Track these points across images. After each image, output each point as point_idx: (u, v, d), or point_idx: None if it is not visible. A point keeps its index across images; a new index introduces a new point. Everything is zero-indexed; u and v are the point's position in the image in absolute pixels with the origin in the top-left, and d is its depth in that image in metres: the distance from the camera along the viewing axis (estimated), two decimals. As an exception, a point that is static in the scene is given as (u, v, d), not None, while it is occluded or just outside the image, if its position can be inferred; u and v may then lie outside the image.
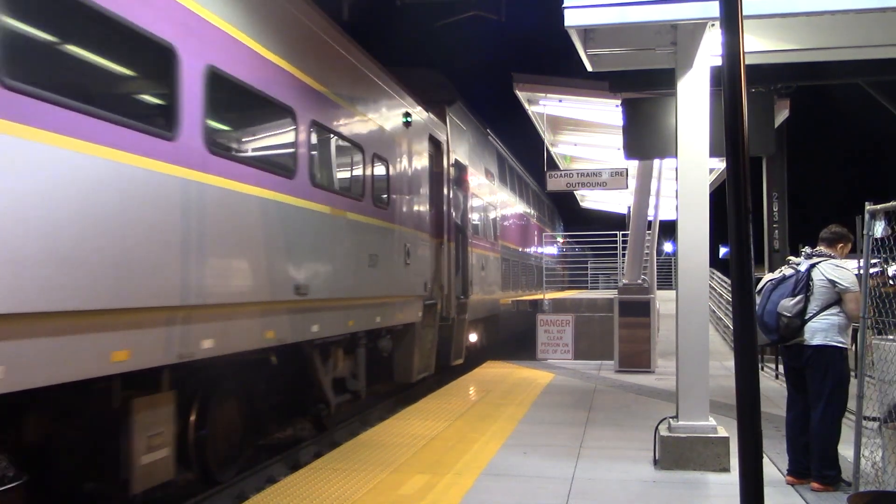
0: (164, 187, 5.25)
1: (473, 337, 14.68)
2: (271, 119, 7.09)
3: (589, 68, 6.82)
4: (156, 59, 5.38)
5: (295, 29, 7.46)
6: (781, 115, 11.24)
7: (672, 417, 6.31)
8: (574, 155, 17.37)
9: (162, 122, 5.38)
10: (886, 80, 9.79)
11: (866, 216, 5.33)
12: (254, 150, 6.95)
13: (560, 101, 12.57)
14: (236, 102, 6.59)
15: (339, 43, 8.42)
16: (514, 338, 17.88)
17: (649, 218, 15.19)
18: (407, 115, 10.52)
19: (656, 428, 6.42)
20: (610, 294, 16.35)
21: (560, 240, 31.31)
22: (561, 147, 16.55)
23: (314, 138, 7.67)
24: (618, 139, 10.89)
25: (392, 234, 9.88)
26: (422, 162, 11.31)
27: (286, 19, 7.32)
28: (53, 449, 5.42)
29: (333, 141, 8.25)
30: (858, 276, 5.57)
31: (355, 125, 8.80)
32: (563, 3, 5.76)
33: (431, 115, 11.96)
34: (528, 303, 17.15)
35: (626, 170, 14.20)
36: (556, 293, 19.60)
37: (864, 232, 5.33)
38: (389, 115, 9.92)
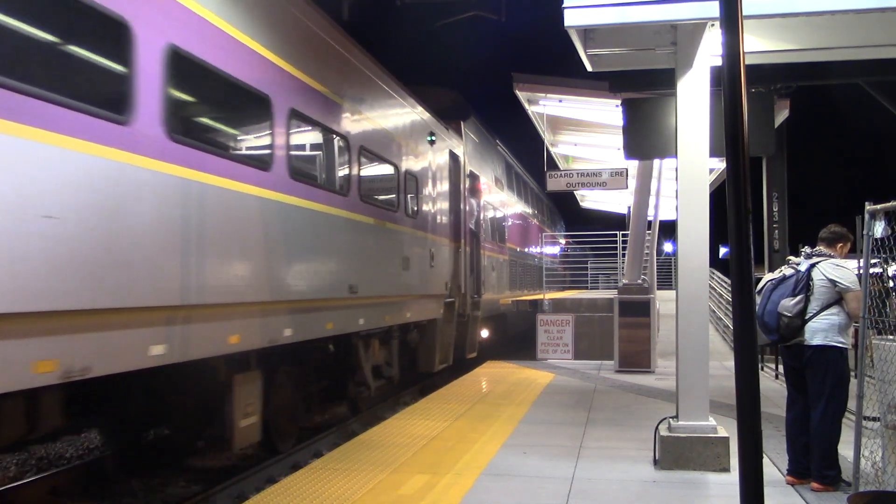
0: (260, 203, 6.63)
1: (485, 332, 15.64)
2: (329, 145, 8.33)
3: (589, 68, 6.82)
4: (109, 36, 4.91)
5: (345, 67, 8.79)
6: (781, 115, 11.24)
7: (672, 417, 6.31)
8: (574, 155, 17.37)
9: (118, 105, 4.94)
10: (886, 80, 9.79)
11: (866, 216, 5.33)
12: (318, 175, 8.12)
13: (560, 101, 12.57)
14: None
15: (380, 78, 9.84)
16: (521, 334, 18.00)
17: (649, 218, 15.19)
18: (432, 134, 12.01)
19: (656, 428, 6.43)
20: (610, 294, 16.35)
21: (562, 241, 31.47)
22: (561, 147, 16.55)
23: (363, 161, 9.06)
24: (618, 139, 10.89)
25: (420, 240, 11.25)
26: (443, 174, 12.70)
27: (340, 61, 8.70)
28: (177, 414, 7.04)
29: (376, 162, 9.67)
30: (859, 275, 5.57)
31: (392, 147, 10.21)
32: (563, 3, 5.77)
33: (450, 132, 13.32)
34: (527, 303, 17.17)
35: (626, 170, 14.20)
36: (556, 293, 19.62)
37: (864, 232, 5.33)
38: (418, 135, 11.40)
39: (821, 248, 5.83)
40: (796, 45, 6.63)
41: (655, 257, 15.99)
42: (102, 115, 4.73)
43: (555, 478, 5.92)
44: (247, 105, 6.71)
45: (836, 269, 5.63)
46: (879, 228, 5.26)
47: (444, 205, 12.70)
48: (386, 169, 10.03)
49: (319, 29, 8.04)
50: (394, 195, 10.23)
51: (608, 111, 11.81)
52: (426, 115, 11.82)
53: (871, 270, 5.39)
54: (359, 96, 9.01)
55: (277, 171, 6.89)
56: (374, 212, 9.31)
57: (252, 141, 6.97)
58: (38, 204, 4.26)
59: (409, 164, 10.86)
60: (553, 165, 16.66)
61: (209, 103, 6.46)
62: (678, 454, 6.10)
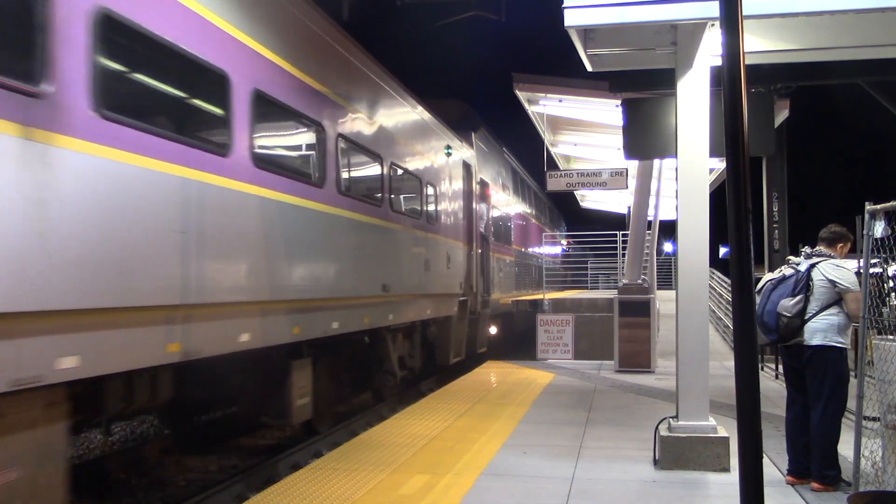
0: (318, 215, 7.69)
1: (494, 329, 16.51)
2: (369, 163, 9.48)
3: (589, 68, 6.82)
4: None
5: (382, 95, 9.95)
6: (781, 115, 11.24)
7: (672, 417, 6.31)
8: (574, 155, 17.37)
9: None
10: (886, 80, 9.79)
11: (866, 216, 5.32)
12: (359, 189, 9.07)
13: (560, 101, 12.57)
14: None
15: (407, 100, 11.06)
16: (524, 332, 18.17)
17: (649, 218, 15.18)
18: (448, 147, 13.20)
19: (656, 428, 6.43)
20: (610, 294, 16.35)
21: (564, 242, 31.63)
22: (561, 147, 16.54)
23: (393, 175, 10.22)
24: (618, 139, 10.89)
25: (439, 244, 12.40)
26: (457, 182, 13.85)
27: (378, 91, 9.83)
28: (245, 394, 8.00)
29: (403, 175, 10.72)
30: (858, 275, 5.57)
31: (416, 161, 11.38)
32: (563, 3, 5.76)
33: (463, 143, 14.44)
34: (527, 303, 17.18)
35: (626, 170, 14.20)
36: (556, 293, 19.66)
37: (864, 232, 5.33)
38: (437, 149, 12.59)
39: (821, 248, 5.83)
40: (796, 45, 6.63)
41: (655, 257, 15.99)
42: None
43: (555, 478, 5.92)
44: (310, 135, 7.97)
45: (836, 270, 5.63)
46: (879, 228, 5.26)
47: (458, 211, 13.85)
48: (412, 181, 11.21)
49: (362, 65, 9.30)
50: (418, 204, 11.47)
51: (608, 111, 11.81)
52: (444, 130, 13.07)
53: (871, 270, 5.39)
54: (393, 122, 10.32)
55: (329, 188, 8.08)
56: (402, 220, 10.59)
57: (300, 160, 8.02)
58: (175, 221, 5.42)
59: (430, 175, 12.09)
60: (553, 165, 16.65)
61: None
62: (678, 454, 6.10)
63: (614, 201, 23.31)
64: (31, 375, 4.18)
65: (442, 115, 13.07)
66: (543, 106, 12.93)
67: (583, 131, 15.05)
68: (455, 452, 6.78)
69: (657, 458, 6.26)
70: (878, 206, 5.22)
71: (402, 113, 10.86)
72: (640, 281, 13.61)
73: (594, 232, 21.15)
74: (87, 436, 9.52)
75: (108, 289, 4.73)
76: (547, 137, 14.94)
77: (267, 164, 6.83)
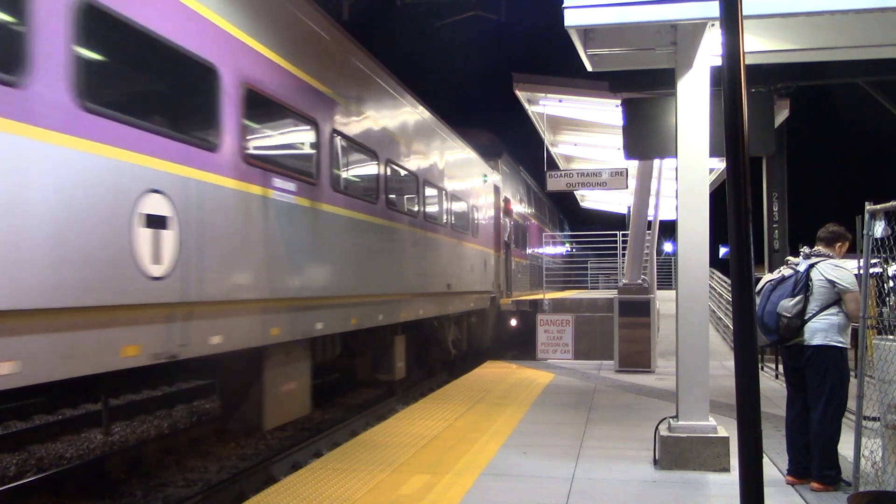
0: (416, 236, 11.33)
1: (514, 322, 18.56)
2: (436, 195, 12.69)
3: (589, 68, 6.82)
4: None
5: (432, 138, 12.67)
6: (781, 115, 11.23)
7: (672, 417, 6.31)
8: (574, 155, 17.37)
9: None
10: (886, 80, 9.79)
11: (866, 216, 5.32)
12: (432, 215, 12.35)
13: (560, 101, 12.57)
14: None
15: (456, 142, 14.37)
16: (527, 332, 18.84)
17: (649, 218, 15.18)
18: (485, 175, 16.81)
19: (656, 428, 6.42)
20: (610, 294, 16.35)
21: (568, 245, 32.20)
22: (561, 147, 16.54)
23: (452, 202, 13.71)
24: (618, 139, 10.89)
25: (479, 252, 15.84)
26: (489, 202, 17.26)
27: (442, 139, 13.32)
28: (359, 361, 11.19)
29: (458, 201, 14.32)
30: (858, 276, 5.57)
31: (465, 190, 14.93)
32: (563, 2, 5.76)
33: (492, 168, 17.61)
34: (528, 303, 17.19)
35: (626, 170, 14.19)
36: (556, 293, 19.76)
37: (864, 232, 5.33)
38: (477, 177, 16.16)
39: (819, 248, 5.82)
40: (796, 45, 6.63)
41: (655, 257, 15.99)
42: None
43: (555, 478, 5.92)
44: (410, 183, 11.28)
45: (835, 270, 5.62)
46: (879, 228, 5.26)
47: (490, 225, 17.22)
48: (462, 205, 14.63)
49: (420, 114, 11.86)
50: (466, 222, 14.90)
51: (608, 111, 11.81)
52: (481, 162, 16.60)
53: (872, 270, 5.39)
54: (450, 160, 13.78)
55: (420, 217, 11.52)
56: (458, 235, 14.12)
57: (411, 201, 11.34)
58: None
59: (473, 199, 15.60)
60: (553, 165, 16.66)
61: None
62: (678, 454, 6.09)
63: (614, 201, 23.32)
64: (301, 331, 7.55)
65: (473, 143, 16.10)
66: (543, 106, 12.93)
67: (583, 131, 15.04)
68: (455, 452, 6.78)
69: (657, 458, 6.26)
70: (878, 206, 5.22)
71: (455, 151, 14.34)
72: (640, 281, 13.60)
73: (594, 232, 21.22)
74: (87, 436, 9.52)
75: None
76: (547, 137, 14.94)
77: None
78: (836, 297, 5.59)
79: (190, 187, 5.61)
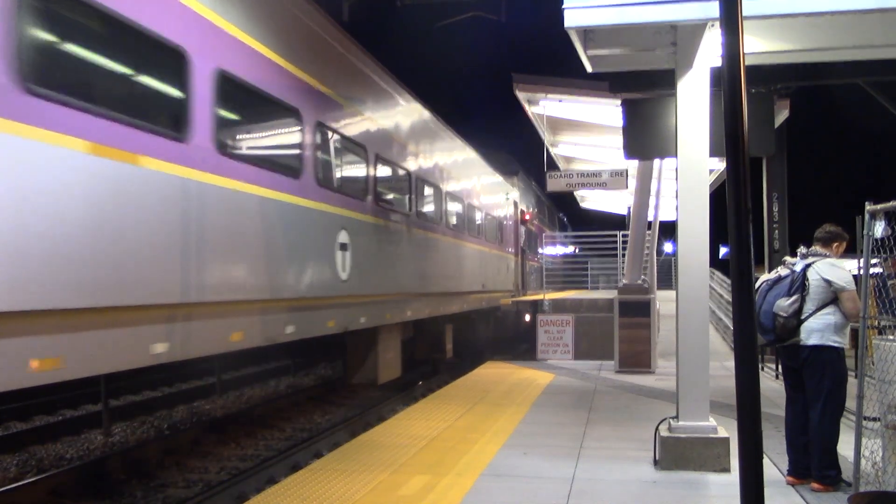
0: (467, 248, 15.14)
1: (528, 317, 20.32)
2: (477, 214, 16.11)
3: (589, 69, 6.82)
4: None
5: (475, 170, 16.42)
6: (781, 116, 11.23)
7: (672, 418, 6.31)
8: (574, 155, 17.37)
9: None
10: (886, 80, 9.79)
11: (866, 216, 5.32)
12: (472, 229, 15.67)
13: (560, 101, 12.56)
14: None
15: (490, 171, 18.05)
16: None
17: (649, 218, 15.18)
18: (508, 194, 20.34)
19: (656, 428, 6.42)
20: (610, 294, 16.35)
21: (572, 248, 32.88)
22: (561, 148, 16.54)
23: (486, 219, 17.02)
24: (618, 139, 10.88)
25: (503, 258, 19.18)
26: (510, 214, 20.66)
27: (477, 166, 16.75)
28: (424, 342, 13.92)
29: (490, 218, 17.65)
30: (857, 276, 5.57)
31: (496, 208, 18.58)
32: (562, 3, 5.76)
33: (510, 185, 20.96)
34: (528, 303, 17.19)
35: (626, 170, 14.18)
36: (557, 293, 19.81)
37: (864, 232, 5.32)
38: (501, 195, 19.58)
39: (816, 247, 5.82)
40: (796, 46, 6.63)
41: (655, 257, 15.99)
42: None
43: (555, 478, 5.92)
44: (459, 206, 14.69)
45: (831, 269, 5.62)
46: (879, 228, 5.26)
47: (511, 234, 20.49)
48: (493, 220, 18.09)
49: (468, 153, 15.57)
50: (496, 233, 18.31)
51: (608, 111, 11.81)
52: (504, 183, 20.05)
53: (871, 271, 5.39)
54: (485, 184, 17.34)
55: (467, 232, 14.88)
56: (491, 245, 17.58)
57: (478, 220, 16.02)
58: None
59: (500, 214, 19.11)
60: (553, 166, 16.66)
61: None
62: (678, 454, 6.09)
63: (614, 202, 23.32)
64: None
65: (494, 163, 18.93)
66: (543, 106, 12.92)
67: (583, 132, 15.04)
68: (455, 453, 6.78)
69: (657, 458, 6.26)
70: (878, 206, 5.22)
71: (489, 177, 18.01)
72: (640, 281, 13.60)
73: (594, 232, 21.27)
74: (87, 436, 9.53)
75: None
76: (547, 138, 14.94)
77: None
78: (833, 297, 5.59)
79: (356, 224, 8.83)
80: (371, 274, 9.36)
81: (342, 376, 12.19)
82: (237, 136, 6.66)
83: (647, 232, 14.77)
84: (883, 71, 8.83)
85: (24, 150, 4.26)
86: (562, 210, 35.65)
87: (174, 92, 5.79)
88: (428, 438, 7.37)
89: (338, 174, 8.59)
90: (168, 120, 5.68)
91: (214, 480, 7.77)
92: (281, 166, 7.25)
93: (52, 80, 4.51)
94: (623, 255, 16.24)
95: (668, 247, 33.28)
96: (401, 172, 10.89)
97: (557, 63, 23.60)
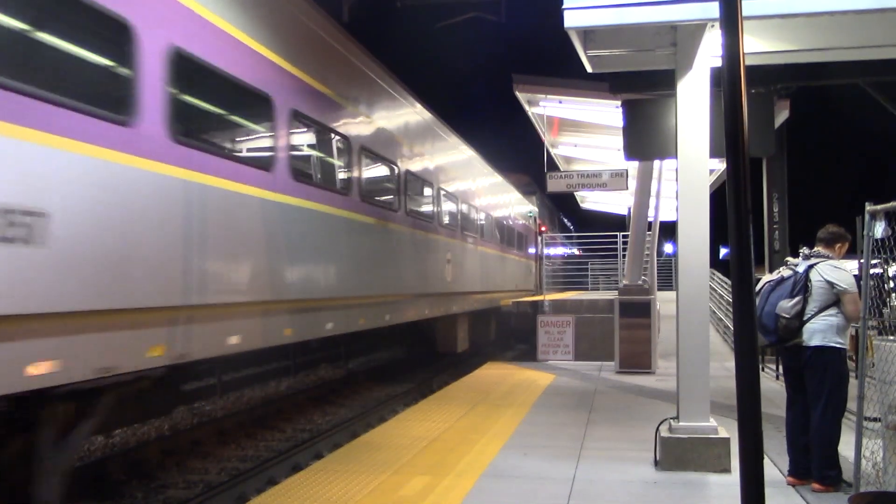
0: (506, 259, 20.98)
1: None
2: (512, 231, 21.42)
3: (589, 69, 6.82)
4: None
5: (511, 196, 21.95)
6: (781, 116, 11.24)
7: (673, 418, 6.31)
8: (574, 156, 17.38)
9: None
10: (886, 80, 9.78)
11: (866, 216, 5.32)
12: (507, 240, 20.48)
13: (560, 102, 12.57)
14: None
15: (519, 195, 22.88)
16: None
17: (649, 219, 15.18)
18: (531, 211, 25.37)
19: (657, 429, 6.42)
20: (610, 295, 16.35)
21: (577, 251, 33.69)
22: (561, 148, 16.55)
23: (517, 234, 21.90)
24: (618, 140, 10.90)
25: (526, 264, 23.59)
26: (529, 228, 25.14)
27: (511, 195, 22.30)
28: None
29: (518, 232, 22.28)
30: (857, 276, 5.57)
31: (522, 225, 23.29)
32: (562, 4, 5.77)
33: (531, 203, 25.73)
34: (528, 304, 17.19)
35: (627, 171, 14.18)
36: (557, 294, 19.97)
37: (865, 232, 5.32)
38: (526, 213, 24.58)
39: (819, 248, 5.82)
40: (796, 46, 6.63)
41: (656, 258, 15.99)
42: None
43: (555, 479, 5.92)
44: (501, 224, 19.95)
45: (834, 271, 5.62)
46: (880, 229, 5.26)
47: (531, 244, 25.09)
48: (523, 236, 22.93)
49: (505, 187, 20.66)
50: (522, 244, 22.96)
51: (608, 112, 11.81)
52: (529, 203, 25.16)
53: (872, 271, 5.38)
54: (518, 209, 22.59)
55: (504, 244, 19.70)
56: (518, 253, 22.02)
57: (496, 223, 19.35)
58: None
59: (525, 229, 23.75)
60: (553, 166, 16.67)
61: None
62: (679, 455, 6.09)
63: (614, 202, 23.36)
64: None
65: (514, 183, 22.76)
66: (543, 107, 12.93)
67: (583, 132, 15.04)
68: (456, 454, 6.78)
69: (658, 458, 6.26)
70: (879, 207, 5.22)
71: (521, 200, 23.51)
72: (640, 282, 13.59)
73: (595, 233, 21.40)
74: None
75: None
76: (547, 139, 14.95)
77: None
78: (835, 299, 5.59)
79: (458, 247, 13.81)
80: (462, 277, 14.73)
81: (410, 354, 17.48)
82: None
83: (648, 233, 14.77)
84: (883, 71, 8.83)
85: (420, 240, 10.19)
86: (562, 210, 36.96)
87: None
88: (428, 439, 7.37)
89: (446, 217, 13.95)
90: None
91: (215, 481, 7.76)
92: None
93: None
94: (623, 256, 16.22)
95: (668, 248, 33.32)
96: (477, 212, 16.80)
97: (557, 64, 23.73)
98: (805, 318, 5.61)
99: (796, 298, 5.62)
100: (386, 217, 10.44)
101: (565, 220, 39.70)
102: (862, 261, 5.42)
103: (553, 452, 6.80)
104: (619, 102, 8.86)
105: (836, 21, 6.08)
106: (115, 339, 5.07)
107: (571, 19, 5.78)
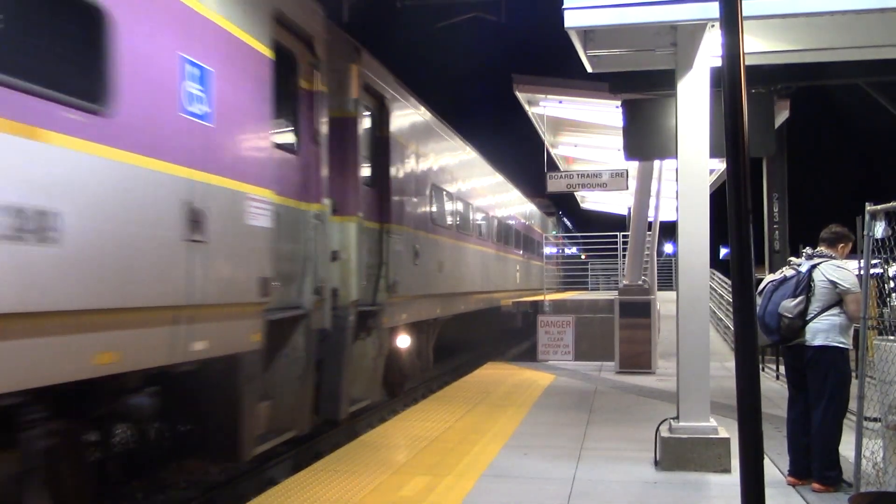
0: (529, 265, 25.48)
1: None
2: (534, 245, 26.10)
3: (589, 69, 6.82)
4: None
5: (532, 215, 26.90)
6: (781, 116, 11.23)
7: (673, 418, 6.31)
8: (574, 156, 17.39)
9: None
10: (886, 80, 9.79)
11: (866, 216, 5.32)
12: (531, 251, 25.54)
13: (560, 102, 12.57)
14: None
15: (539, 214, 28.27)
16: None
17: (650, 219, 15.18)
18: (548, 227, 29.67)
19: (657, 429, 6.42)
20: (610, 295, 16.36)
21: (583, 256, 34.47)
22: (561, 148, 16.55)
23: (541, 246, 25.81)
24: (618, 140, 10.89)
25: (542, 267, 23.14)
26: (548, 241, 28.38)
27: (540, 222, 28.46)
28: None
29: (539, 243, 26.47)
30: (859, 276, 5.57)
31: (543, 238, 26.89)
32: (563, 4, 5.77)
33: (549, 222, 30.32)
34: (528, 304, 17.21)
35: (627, 171, 14.18)
36: (557, 294, 20.01)
37: (865, 232, 5.33)
38: (545, 227, 28.85)
39: (822, 248, 5.82)
40: (796, 46, 6.63)
41: (656, 258, 15.99)
42: None
43: (556, 479, 5.92)
44: (531, 239, 26.00)
45: (837, 271, 5.62)
46: (880, 229, 5.26)
47: (548, 252, 26.88)
48: (542, 246, 25.52)
49: (531, 208, 26.42)
50: (541, 252, 24.52)
51: (608, 112, 11.81)
52: (548, 221, 29.71)
53: (872, 271, 5.39)
54: (542, 227, 28.02)
55: (532, 254, 25.37)
56: (540, 259, 23.70)
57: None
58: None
59: (544, 240, 26.68)
60: (553, 166, 16.67)
61: None
62: (679, 455, 6.09)
63: (614, 202, 23.38)
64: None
65: (536, 203, 26.92)
66: (543, 107, 12.93)
67: (583, 132, 15.05)
68: (456, 454, 6.78)
69: (658, 458, 6.26)
70: (879, 207, 5.22)
71: (542, 219, 27.81)
72: (640, 282, 13.59)
73: (595, 233, 21.37)
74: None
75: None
76: (547, 139, 14.95)
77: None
78: (838, 298, 5.59)
79: (519, 261, 22.42)
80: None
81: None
82: None
83: (648, 233, 14.77)
84: (883, 71, 8.83)
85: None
86: (562, 210, 37.88)
87: None
88: (428, 439, 7.37)
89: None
90: None
91: (215, 481, 7.76)
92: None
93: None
94: (623, 256, 16.23)
95: (668, 248, 33.37)
96: (523, 235, 23.19)
97: (557, 64, 23.80)
98: (808, 318, 5.61)
99: (799, 298, 5.62)
100: (499, 248, 19.07)
101: (566, 221, 42.16)
102: (862, 261, 5.42)
103: (553, 452, 6.80)
104: (619, 102, 8.86)
105: (836, 21, 6.08)
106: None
107: (571, 19, 5.78)
